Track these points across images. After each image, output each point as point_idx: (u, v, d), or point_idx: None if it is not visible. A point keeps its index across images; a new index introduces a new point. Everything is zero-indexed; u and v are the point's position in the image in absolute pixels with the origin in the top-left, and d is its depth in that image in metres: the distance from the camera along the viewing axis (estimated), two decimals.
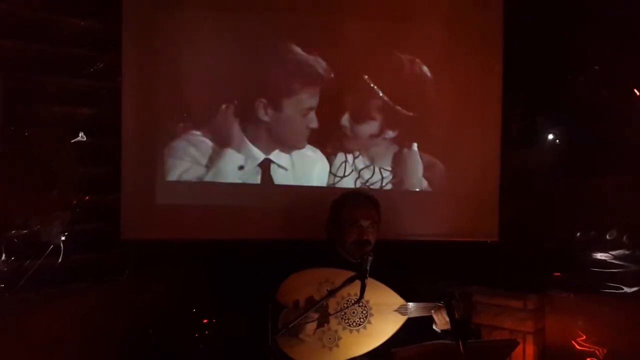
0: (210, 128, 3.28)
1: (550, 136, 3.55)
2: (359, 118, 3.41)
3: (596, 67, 3.34)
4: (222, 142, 3.29)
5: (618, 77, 3.26)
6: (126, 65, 3.12)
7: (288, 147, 3.36)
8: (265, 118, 3.31)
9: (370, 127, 3.43)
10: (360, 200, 2.77)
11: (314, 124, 3.34)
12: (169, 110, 3.23)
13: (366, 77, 3.41)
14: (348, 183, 3.42)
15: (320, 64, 3.33)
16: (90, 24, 3.05)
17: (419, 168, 3.48)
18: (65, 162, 2.97)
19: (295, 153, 3.37)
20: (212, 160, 3.29)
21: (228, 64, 3.29)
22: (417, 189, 3.50)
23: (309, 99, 3.33)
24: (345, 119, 3.39)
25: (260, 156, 3.33)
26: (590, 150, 3.32)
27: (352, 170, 3.42)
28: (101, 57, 3.07)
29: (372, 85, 3.41)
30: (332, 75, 3.34)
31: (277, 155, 3.35)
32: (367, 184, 3.43)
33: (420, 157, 3.49)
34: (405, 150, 3.47)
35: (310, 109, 3.34)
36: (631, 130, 3.19)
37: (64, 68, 2.97)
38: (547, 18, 3.40)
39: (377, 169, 3.45)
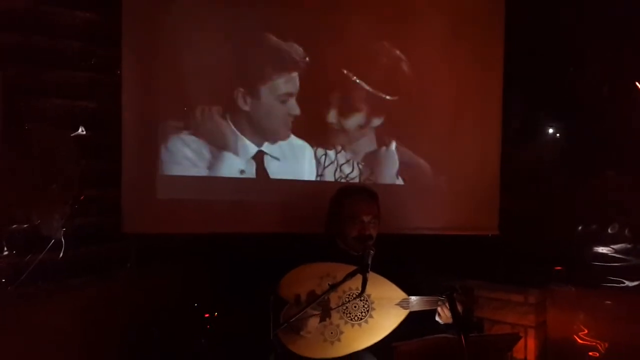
0: (209, 121, 3.26)
1: (551, 130, 3.56)
2: (348, 113, 3.42)
3: (596, 65, 3.34)
4: (220, 137, 3.28)
5: (618, 75, 3.26)
6: (126, 59, 3.10)
7: (272, 136, 3.35)
8: (245, 107, 3.29)
9: (360, 121, 3.43)
10: (361, 194, 2.76)
11: (296, 111, 3.33)
12: (169, 103, 3.22)
13: (364, 74, 3.42)
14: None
15: (297, 51, 3.33)
16: (90, 16, 3.03)
17: (421, 163, 3.48)
18: (65, 156, 2.96)
19: (285, 144, 3.36)
20: (212, 155, 3.28)
21: (227, 56, 3.28)
22: (416, 184, 3.50)
23: (284, 84, 3.32)
24: (332, 115, 3.40)
25: (253, 148, 3.33)
26: (591, 145, 3.33)
27: (331, 163, 3.43)
28: (101, 50, 3.06)
29: (369, 81, 3.41)
30: (318, 63, 3.34)
31: (268, 147, 3.35)
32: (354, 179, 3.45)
33: (422, 151, 3.49)
34: (407, 147, 3.48)
35: (289, 95, 3.33)
36: (631, 127, 3.20)
37: (64, 61, 2.95)
38: (548, 16, 3.40)
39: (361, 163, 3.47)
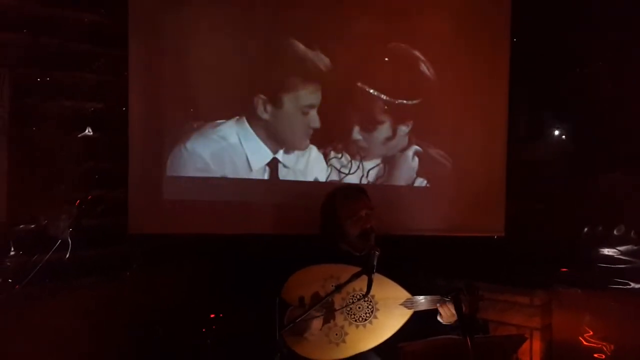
0: (216, 123, 3.28)
1: (557, 132, 3.55)
2: (366, 121, 3.42)
3: (602, 64, 3.33)
4: (229, 137, 3.29)
5: (624, 74, 3.25)
6: (133, 60, 3.11)
7: (289, 146, 3.35)
8: (265, 116, 3.30)
9: (380, 131, 3.44)
10: (351, 193, 2.78)
11: (316, 124, 3.34)
12: (175, 105, 3.23)
13: (370, 74, 3.41)
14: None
15: (322, 60, 3.32)
16: (97, 18, 3.04)
17: (424, 164, 3.48)
18: (72, 157, 2.98)
19: (301, 153, 3.37)
20: (219, 156, 3.29)
21: (234, 58, 3.29)
22: (423, 185, 3.50)
23: (308, 95, 3.32)
24: (356, 131, 3.41)
25: (268, 155, 3.33)
26: (597, 146, 3.32)
27: (358, 168, 3.42)
28: (108, 51, 3.08)
29: (374, 84, 3.40)
30: (335, 73, 3.33)
31: (282, 155, 3.35)
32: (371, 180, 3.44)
33: (428, 153, 3.49)
34: (410, 147, 3.48)
35: (311, 106, 3.33)
36: (637, 126, 3.18)
37: (71, 63, 2.97)
38: (553, 15, 3.40)
39: (380, 166, 3.47)
